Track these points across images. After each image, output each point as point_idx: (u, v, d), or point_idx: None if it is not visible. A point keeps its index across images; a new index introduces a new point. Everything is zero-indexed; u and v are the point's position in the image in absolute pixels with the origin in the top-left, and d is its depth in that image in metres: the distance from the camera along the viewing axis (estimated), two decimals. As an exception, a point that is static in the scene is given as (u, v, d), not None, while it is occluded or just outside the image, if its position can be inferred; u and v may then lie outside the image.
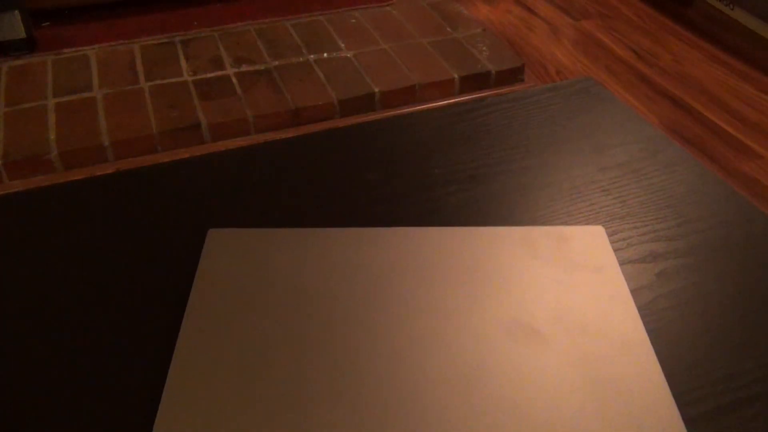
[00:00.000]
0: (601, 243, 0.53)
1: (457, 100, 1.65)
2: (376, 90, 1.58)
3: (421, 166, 0.63)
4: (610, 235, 0.56)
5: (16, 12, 1.66)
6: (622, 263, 0.54)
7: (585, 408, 0.41)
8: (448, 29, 1.83)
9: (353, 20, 1.86)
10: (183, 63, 1.68)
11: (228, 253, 0.51)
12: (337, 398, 0.41)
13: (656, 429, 0.40)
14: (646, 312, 0.50)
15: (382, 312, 0.46)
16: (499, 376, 0.43)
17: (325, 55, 1.71)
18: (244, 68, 1.66)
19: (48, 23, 1.83)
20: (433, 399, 0.41)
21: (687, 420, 0.43)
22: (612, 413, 0.41)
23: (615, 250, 0.55)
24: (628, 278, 0.52)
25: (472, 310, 0.47)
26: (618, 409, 0.41)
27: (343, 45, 1.75)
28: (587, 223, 0.57)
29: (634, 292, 0.51)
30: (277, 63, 1.68)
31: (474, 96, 1.66)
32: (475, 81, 1.66)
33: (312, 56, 1.70)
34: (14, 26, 1.67)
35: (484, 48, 1.74)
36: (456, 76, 1.64)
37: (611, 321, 0.47)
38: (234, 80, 1.61)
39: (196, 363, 0.43)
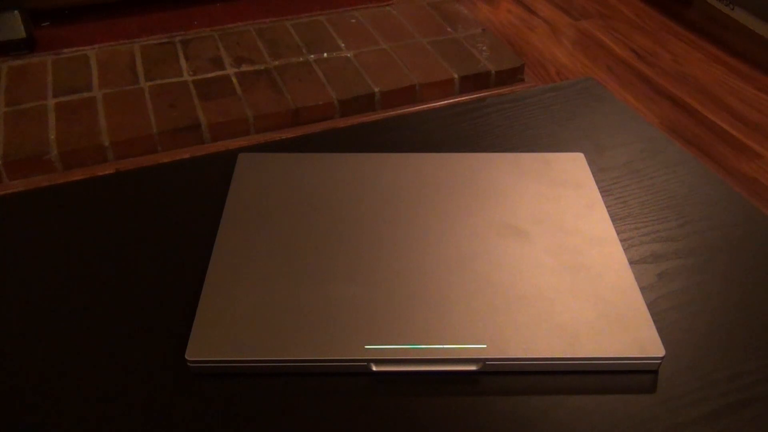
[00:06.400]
0: (581, 165, 0.61)
1: (457, 100, 1.65)
2: (376, 90, 1.58)
3: (422, 167, 0.63)
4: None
5: (16, 12, 1.66)
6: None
7: (560, 286, 0.49)
8: (448, 29, 1.83)
9: (353, 20, 1.86)
10: (183, 63, 1.68)
11: (256, 174, 0.59)
12: (356, 277, 0.49)
13: (618, 304, 0.48)
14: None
15: (394, 218, 0.55)
16: (489, 262, 0.51)
17: (325, 55, 1.71)
18: (244, 68, 1.65)
19: (48, 23, 1.83)
20: (434, 278, 0.50)
21: (688, 422, 0.43)
22: (581, 290, 0.49)
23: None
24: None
25: (468, 215, 0.55)
26: (586, 287, 0.49)
27: (343, 45, 1.75)
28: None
29: (635, 293, 0.51)
30: (277, 63, 1.68)
31: (474, 96, 1.66)
32: (475, 81, 1.66)
33: (312, 56, 1.70)
34: (14, 26, 1.66)
35: (484, 48, 1.74)
36: (456, 76, 1.64)
37: (586, 223, 0.55)
38: (234, 80, 1.61)
39: (231, 265, 0.51)
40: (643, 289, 0.52)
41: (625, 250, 0.55)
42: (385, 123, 0.69)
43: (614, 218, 0.58)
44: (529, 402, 0.44)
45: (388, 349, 0.45)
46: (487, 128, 0.68)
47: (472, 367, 0.45)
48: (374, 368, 0.45)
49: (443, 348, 0.45)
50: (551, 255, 0.52)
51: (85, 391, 0.44)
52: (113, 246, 0.54)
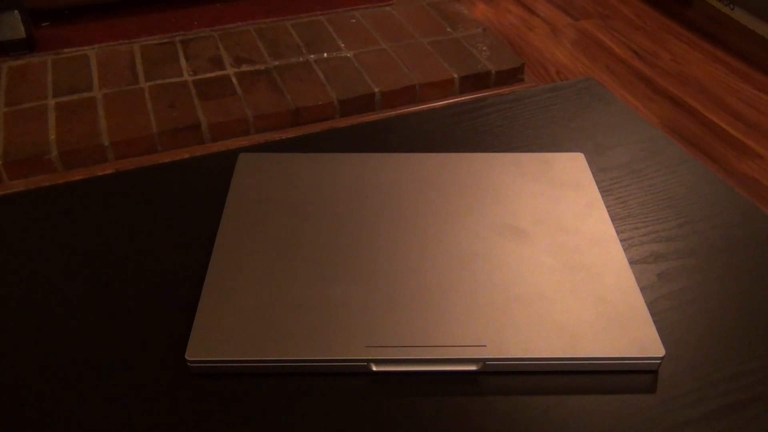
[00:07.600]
0: (581, 165, 0.61)
1: (457, 100, 1.65)
2: (376, 90, 1.58)
3: (422, 167, 0.63)
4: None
5: (16, 12, 1.66)
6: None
7: (560, 286, 0.49)
8: (448, 29, 1.83)
9: (353, 20, 1.86)
10: (183, 63, 1.68)
11: (256, 174, 0.59)
12: (356, 277, 0.49)
13: (618, 304, 0.48)
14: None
15: (394, 218, 0.55)
16: (489, 262, 0.51)
17: (325, 55, 1.71)
18: (244, 68, 1.65)
19: (48, 23, 1.83)
20: (433, 278, 0.50)
21: (688, 422, 0.43)
22: (581, 290, 0.49)
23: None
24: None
25: (468, 215, 0.55)
26: (586, 287, 0.49)
27: (343, 45, 1.75)
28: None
29: (635, 293, 0.51)
30: (277, 63, 1.68)
31: (474, 96, 1.66)
32: (475, 81, 1.66)
33: (312, 56, 1.70)
34: (14, 26, 1.66)
35: (484, 48, 1.74)
36: (456, 76, 1.64)
37: (586, 223, 0.55)
38: (234, 80, 1.61)
39: (230, 267, 0.50)
40: (643, 289, 0.52)
41: (625, 250, 0.55)
42: (385, 123, 0.69)
43: (614, 218, 0.58)
44: (529, 402, 0.44)
45: (388, 349, 0.45)
46: (487, 128, 0.68)
47: (472, 367, 0.45)
48: (374, 368, 0.45)
49: (443, 348, 0.45)
50: (551, 255, 0.52)
51: (85, 391, 0.44)
52: (113, 246, 0.54)
